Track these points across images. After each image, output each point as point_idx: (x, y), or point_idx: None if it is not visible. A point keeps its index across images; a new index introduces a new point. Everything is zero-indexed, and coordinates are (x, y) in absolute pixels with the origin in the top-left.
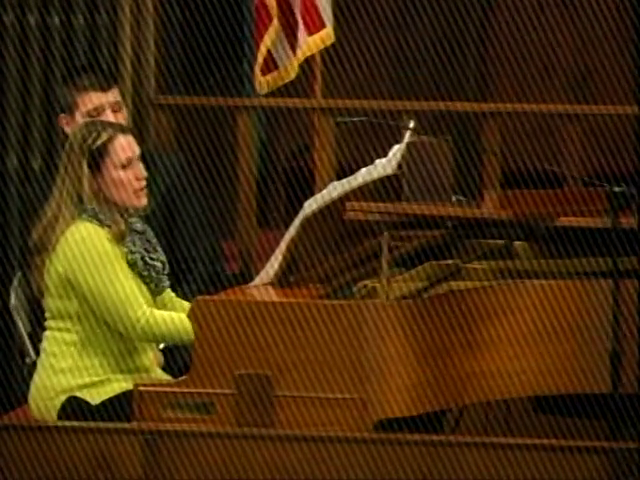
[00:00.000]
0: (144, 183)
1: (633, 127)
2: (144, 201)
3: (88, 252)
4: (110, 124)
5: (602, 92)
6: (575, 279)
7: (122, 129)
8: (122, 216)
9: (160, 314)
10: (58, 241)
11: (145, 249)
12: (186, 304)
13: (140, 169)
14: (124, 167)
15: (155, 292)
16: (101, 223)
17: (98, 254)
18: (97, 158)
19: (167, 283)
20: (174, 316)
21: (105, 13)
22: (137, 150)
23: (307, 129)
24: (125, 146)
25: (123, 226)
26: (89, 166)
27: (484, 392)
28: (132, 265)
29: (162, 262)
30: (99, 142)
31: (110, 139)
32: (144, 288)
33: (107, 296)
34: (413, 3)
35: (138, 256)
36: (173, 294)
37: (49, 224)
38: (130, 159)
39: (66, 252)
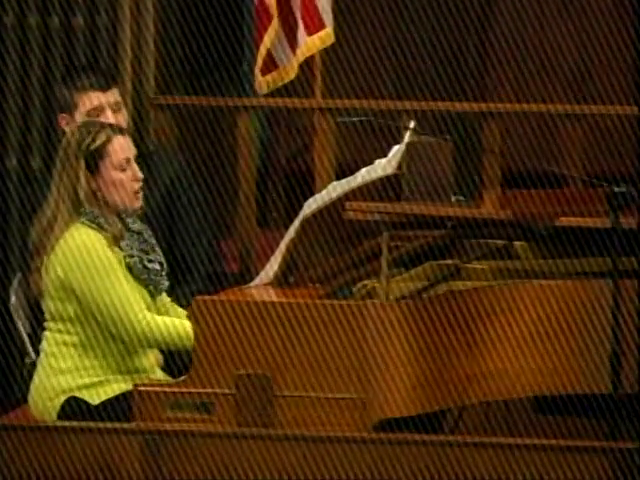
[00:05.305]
0: (141, 184)
1: (633, 127)
2: (139, 203)
3: (87, 259)
4: (107, 125)
5: (602, 92)
6: (575, 279)
7: (119, 130)
8: (119, 217)
9: (160, 319)
10: (57, 243)
11: (143, 250)
12: (180, 310)
13: (137, 170)
14: (122, 168)
15: (154, 294)
16: (100, 227)
17: (98, 260)
18: (95, 160)
19: (166, 284)
20: (174, 321)
21: (105, 13)
22: (134, 151)
23: (307, 129)
24: (123, 147)
25: (120, 226)
26: (87, 167)
27: (484, 392)
28: (130, 268)
29: (160, 263)
30: (97, 143)
31: (108, 140)
32: (143, 291)
33: (107, 303)
34: (413, 3)
35: (136, 259)
36: (168, 299)
37: (47, 226)
38: (128, 160)
39: (66, 257)
